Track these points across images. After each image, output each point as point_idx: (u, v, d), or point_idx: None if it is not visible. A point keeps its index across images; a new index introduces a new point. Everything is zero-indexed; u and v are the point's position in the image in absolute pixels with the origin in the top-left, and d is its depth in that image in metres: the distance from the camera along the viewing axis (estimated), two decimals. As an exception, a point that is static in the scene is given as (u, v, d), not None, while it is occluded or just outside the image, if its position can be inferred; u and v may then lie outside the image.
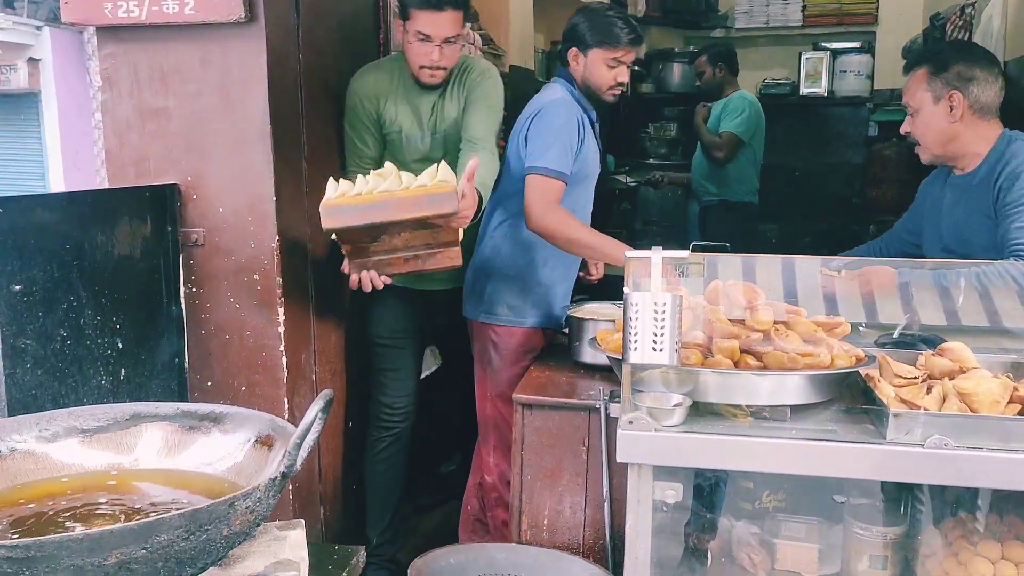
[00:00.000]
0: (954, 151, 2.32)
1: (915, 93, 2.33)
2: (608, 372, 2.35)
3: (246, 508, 1.33)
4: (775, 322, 1.73)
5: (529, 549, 2.25)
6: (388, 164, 2.30)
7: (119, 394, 2.17)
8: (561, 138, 2.50)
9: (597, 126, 2.77)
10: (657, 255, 1.60)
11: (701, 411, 1.67)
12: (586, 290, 3.40)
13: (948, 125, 2.29)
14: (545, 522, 2.29)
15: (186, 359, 2.42)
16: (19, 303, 1.87)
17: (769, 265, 1.97)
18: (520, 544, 2.29)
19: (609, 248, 2.50)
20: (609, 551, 2.21)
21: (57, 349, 1.98)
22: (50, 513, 1.47)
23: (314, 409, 1.41)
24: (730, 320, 1.76)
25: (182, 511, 1.22)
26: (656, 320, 1.52)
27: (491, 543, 2.29)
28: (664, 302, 1.53)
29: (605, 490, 2.21)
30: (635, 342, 1.54)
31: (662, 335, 1.52)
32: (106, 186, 2.44)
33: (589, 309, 2.59)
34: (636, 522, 1.62)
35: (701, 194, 5.25)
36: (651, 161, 6.93)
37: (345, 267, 2.35)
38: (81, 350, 2.05)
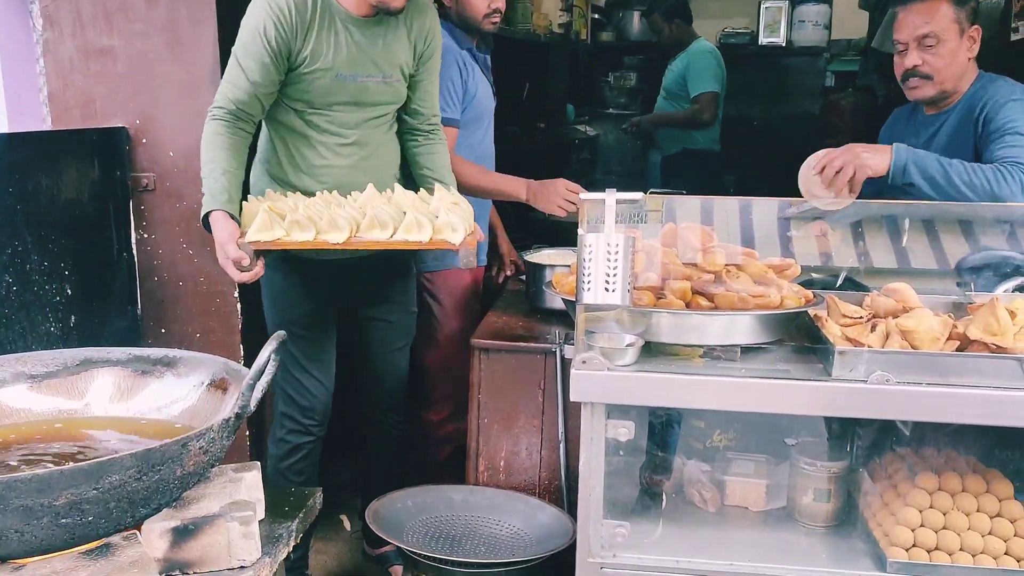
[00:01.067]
0: (959, 87, 2.33)
1: (941, 23, 2.27)
2: (565, 317, 2.37)
3: (200, 448, 1.32)
4: (727, 264, 1.76)
5: (486, 490, 2.28)
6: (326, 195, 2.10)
7: (70, 341, 2.16)
8: (442, 85, 2.48)
9: (486, 57, 2.76)
10: (611, 197, 1.61)
11: (653, 351, 1.69)
12: (543, 237, 3.41)
13: (966, 60, 2.31)
14: (502, 464, 2.32)
15: (139, 306, 2.39)
16: (-39, 247, 1.83)
17: (725, 208, 1.99)
18: (477, 486, 2.32)
19: (508, 187, 2.62)
20: (564, 491, 2.25)
21: (2, 295, 1.94)
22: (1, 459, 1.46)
23: (267, 350, 1.41)
24: (683, 263, 1.78)
25: (134, 451, 1.21)
26: (609, 260, 1.53)
27: (448, 485, 2.30)
28: (617, 243, 1.54)
29: (560, 432, 2.24)
30: (588, 282, 1.55)
31: (615, 275, 1.53)
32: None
33: (546, 255, 2.60)
34: (589, 460, 1.65)
35: (664, 143, 5.22)
36: (610, 111, 6.91)
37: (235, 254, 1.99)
38: (28, 296, 2.02)
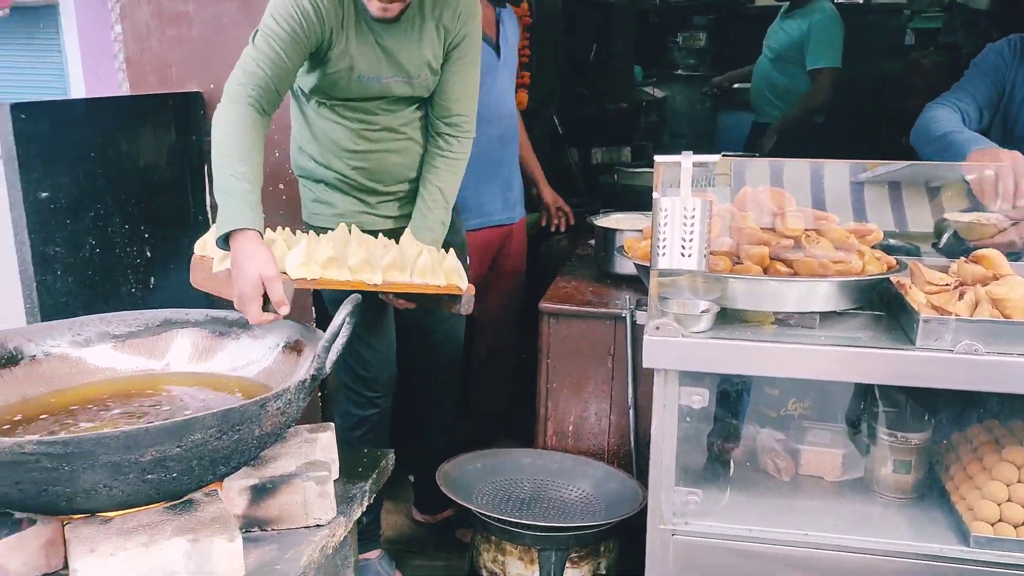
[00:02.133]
0: None
1: None
2: (634, 282, 2.34)
3: (277, 409, 1.35)
4: (806, 229, 1.70)
5: (554, 454, 2.29)
6: (346, 230, 1.94)
7: (148, 302, 2.22)
8: None
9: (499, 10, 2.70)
10: (687, 159, 1.57)
11: (728, 318, 1.66)
12: (610, 201, 3.38)
13: None
14: (570, 429, 2.32)
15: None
16: (46, 210, 1.88)
17: (800, 171, 1.93)
18: (545, 450, 2.32)
19: None
20: (634, 457, 2.24)
21: (86, 257, 2.00)
22: (85, 415, 1.51)
23: (342, 313, 1.42)
24: (760, 227, 1.73)
25: (215, 411, 1.24)
26: (685, 225, 1.49)
27: (517, 448, 2.31)
28: (693, 207, 1.50)
29: (630, 397, 2.22)
30: (663, 247, 1.52)
31: (691, 240, 1.50)
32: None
33: (615, 219, 2.57)
34: (662, 427, 1.63)
35: (765, 109, 4.70)
36: (679, 72, 6.76)
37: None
38: (111, 258, 2.07)
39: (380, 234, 2.03)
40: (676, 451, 1.63)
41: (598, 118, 5.04)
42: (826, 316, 1.65)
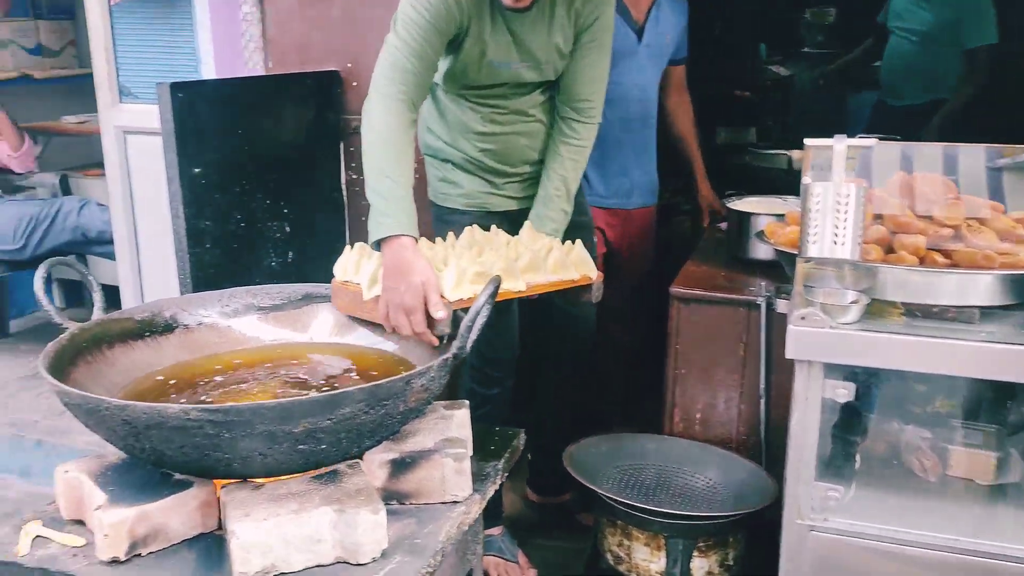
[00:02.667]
0: None
1: None
2: (768, 268, 2.27)
3: (421, 386, 1.37)
4: (968, 218, 1.61)
5: (680, 441, 2.26)
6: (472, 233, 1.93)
7: (287, 276, 2.30)
8: None
9: None
10: (840, 143, 1.50)
11: (877, 309, 1.59)
12: (739, 183, 3.28)
13: None
14: (697, 416, 2.28)
15: (347, 245, 2.50)
16: (198, 186, 1.96)
17: (959, 156, 1.82)
18: (671, 436, 2.29)
19: None
20: (763, 447, 2.19)
21: (232, 231, 2.08)
22: (236, 380, 1.58)
23: (485, 293, 1.43)
24: (917, 215, 1.65)
25: (363, 386, 1.27)
26: (839, 212, 1.43)
27: (642, 433, 2.29)
28: (847, 193, 1.44)
29: (762, 387, 2.17)
30: (814, 235, 1.46)
31: (844, 228, 1.44)
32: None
33: (750, 202, 2.49)
34: (803, 420, 1.58)
35: (902, 92, 4.32)
36: (807, 50, 6.51)
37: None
38: (254, 232, 2.14)
39: (495, 224, 2.02)
40: (817, 445, 1.58)
41: (722, 97, 4.91)
42: (988, 311, 1.56)
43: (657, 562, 1.98)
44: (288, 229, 2.25)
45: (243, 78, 2.33)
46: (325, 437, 1.28)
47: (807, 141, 1.54)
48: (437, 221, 2.28)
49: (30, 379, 3.67)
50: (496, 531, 2.43)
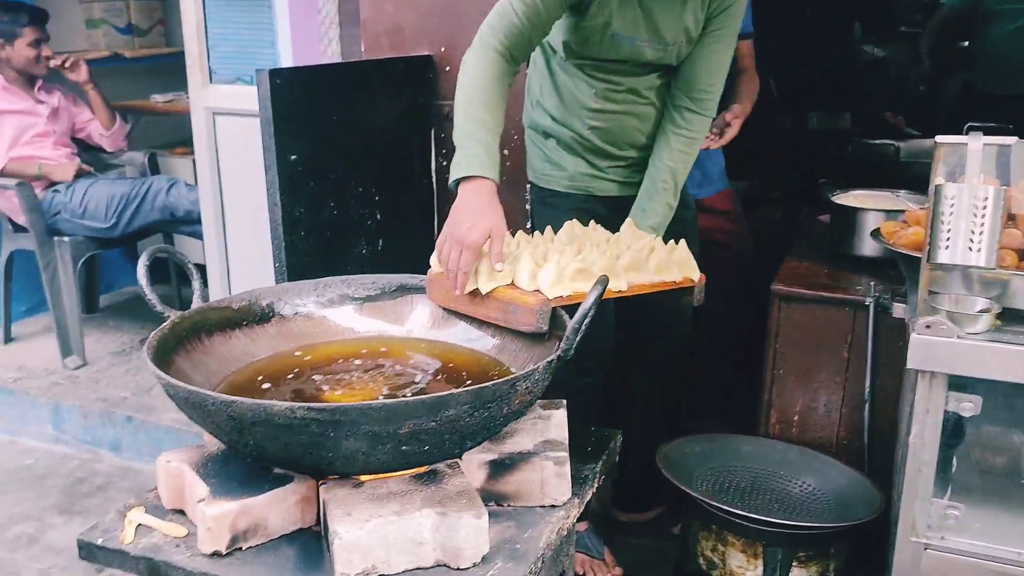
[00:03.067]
0: None
1: None
2: (876, 266, 2.17)
3: (525, 389, 1.34)
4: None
5: (776, 444, 2.19)
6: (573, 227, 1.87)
7: (377, 265, 2.28)
8: None
9: None
10: (976, 141, 1.41)
11: (1007, 319, 1.49)
12: (835, 171, 3.13)
13: None
14: (795, 418, 2.21)
15: (435, 233, 2.48)
16: (294, 173, 1.95)
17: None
18: (767, 438, 2.22)
19: None
20: (866, 455, 2.10)
21: (325, 219, 2.07)
22: (333, 373, 1.57)
23: (592, 295, 1.39)
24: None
25: (469, 388, 1.24)
26: (975, 216, 1.34)
27: (737, 434, 2.23)
28: (985, 196, 1.35)
29: (867, 391, 2.08)
30: (947, 240, 1.37)
31: (981, 233, 1.35)
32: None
33: (855, 196, 2.39)
34: (922, 433, 1.50)
35: (1004, 81, 4.07)
36: (903, 29, 6.25)
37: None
38: (346, 221, 2.13)
39: (597, 209, 1.99)
40: (937, 460, 1.50)
41: (814, 80, 4.74)
42: None
43: (754, 570, 1.92)
44: (379, 217, 2.24)
45: (337, 64, 2.32)
46: (428, 438, 1.26)
47: (939, 139, 1.45)
48: (537, 203, 2.25)
49: (119, 355, 3.78)
50: (582, 527, 2.39)
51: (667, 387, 2.48)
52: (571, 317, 1.45)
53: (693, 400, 2.87)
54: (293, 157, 1.91)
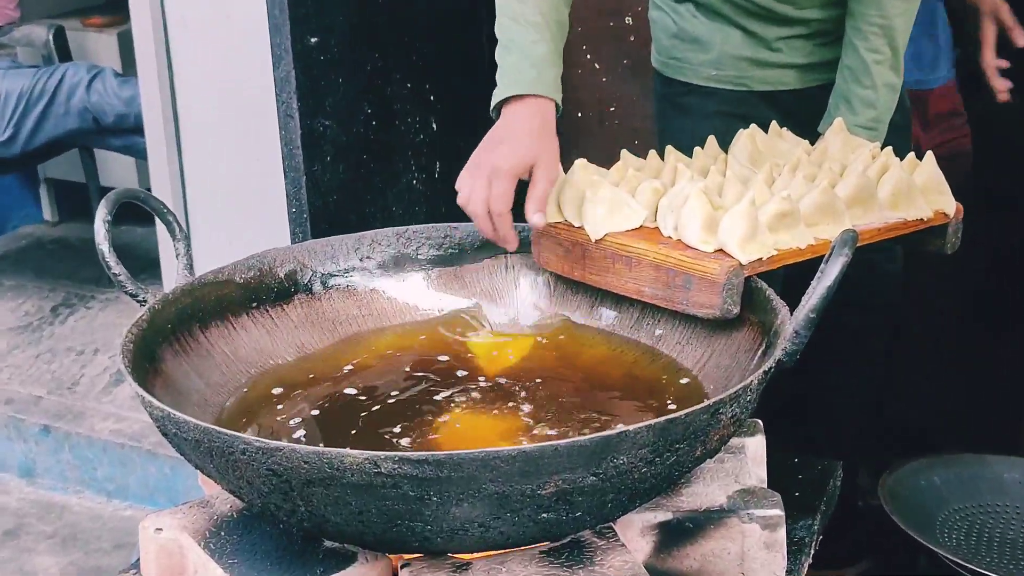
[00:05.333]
0: None
1: None
2: None
3: (731, 417, 1.29)
4: None
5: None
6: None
7: (432, 203, 2.26)
8: None
9: None
10: None
11: None
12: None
13: None
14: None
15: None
16: (315, 63, 1.92)
17: None
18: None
19: None
20: None
21: (361, 133, 2.05)
22: (407, 388, 1.56)
23: (837, 265, 1.34)
24: None
25: (650, 423, 1.19)
26: None
27: (996, 455, 2.17)
28: None
29: None
30: None
31: None
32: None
33: None
34: None
35: None
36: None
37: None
38: (389, 134, 2.12)
39: (762, 112, 2.01)
40: None
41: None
42: None
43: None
44: (434, 127, 2.19)
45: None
46: (583, 501, 1.21)
47: None
48: (663, 102, 2.26)
49: (23, 333, 3.77)
50: None
51: (868, 385, 2.50)
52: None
53: (906, 404, 2.83)
54: (314, 40, 1.84)
